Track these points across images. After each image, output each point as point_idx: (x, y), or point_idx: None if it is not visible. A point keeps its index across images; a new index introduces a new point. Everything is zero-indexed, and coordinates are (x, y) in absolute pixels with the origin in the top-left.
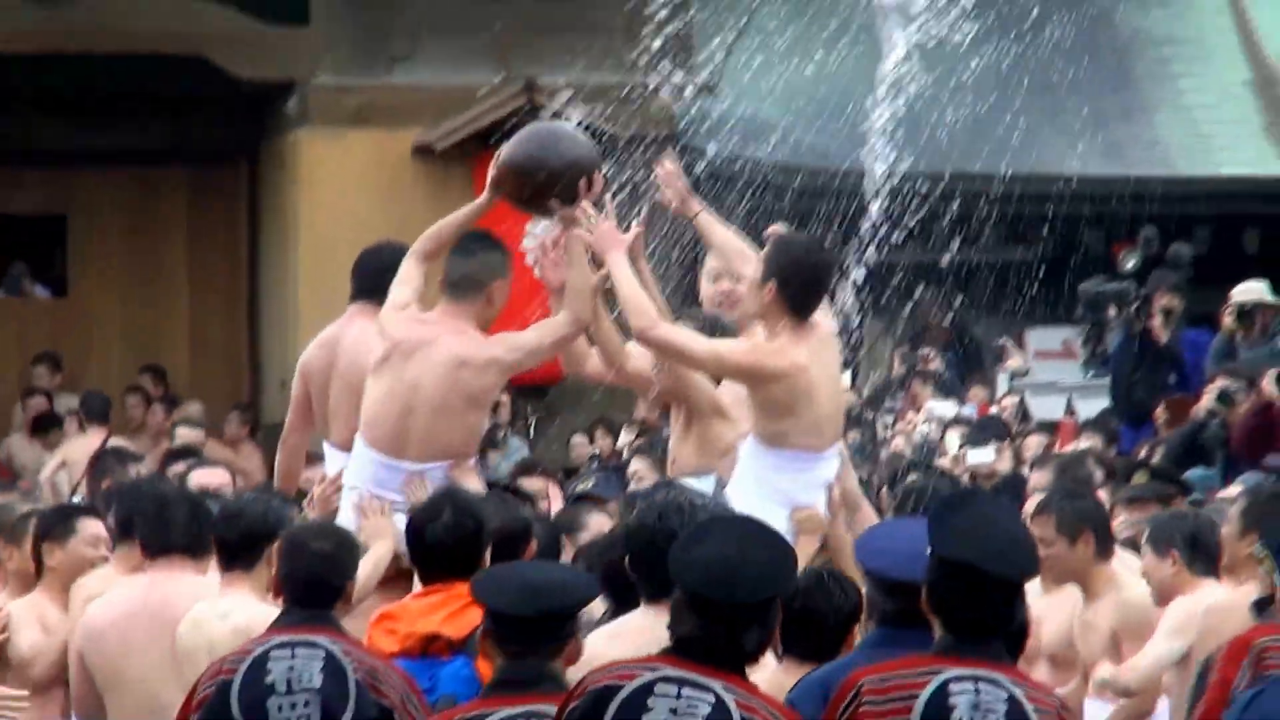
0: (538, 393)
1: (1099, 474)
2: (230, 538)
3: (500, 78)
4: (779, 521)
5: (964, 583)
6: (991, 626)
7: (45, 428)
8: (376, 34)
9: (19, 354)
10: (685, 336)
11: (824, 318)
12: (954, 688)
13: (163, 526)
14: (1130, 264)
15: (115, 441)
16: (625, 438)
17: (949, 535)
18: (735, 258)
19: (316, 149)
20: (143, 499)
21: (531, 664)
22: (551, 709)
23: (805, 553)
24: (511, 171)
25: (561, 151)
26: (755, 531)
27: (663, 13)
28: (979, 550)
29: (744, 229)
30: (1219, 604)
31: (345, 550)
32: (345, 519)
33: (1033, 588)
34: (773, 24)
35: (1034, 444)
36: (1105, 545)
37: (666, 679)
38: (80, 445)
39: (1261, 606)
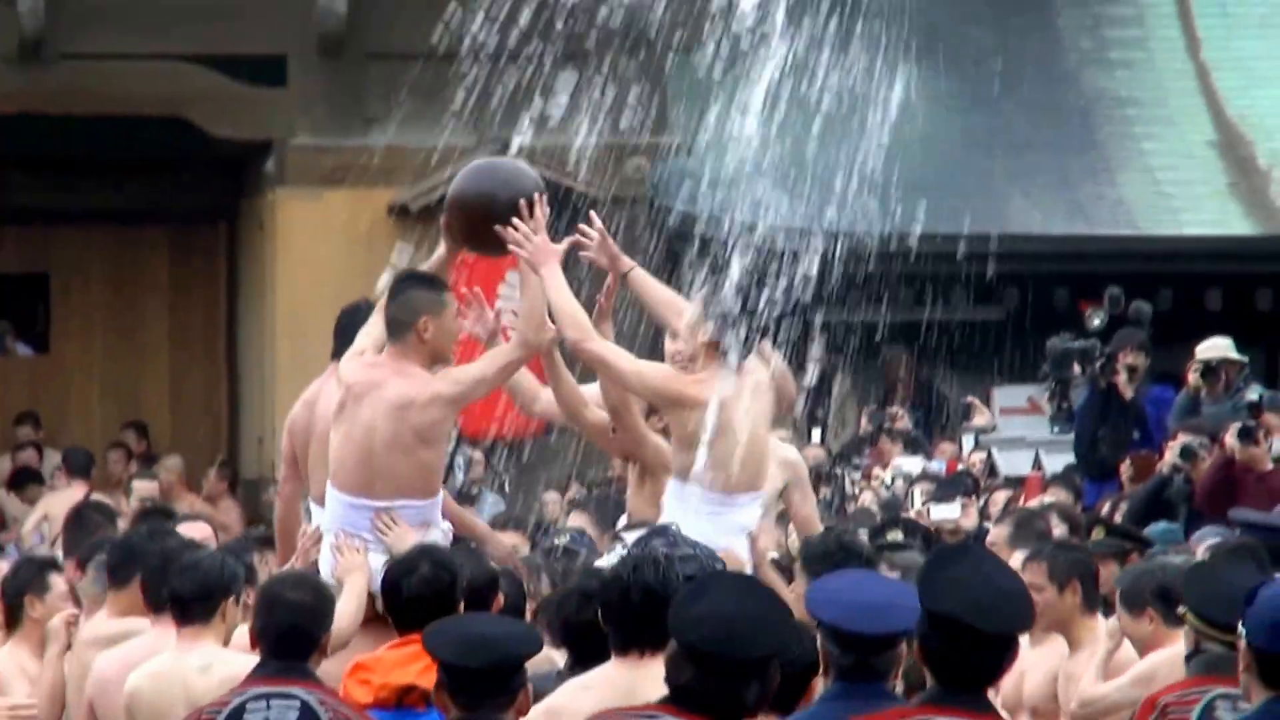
0: (513, 448)
1: (1063, 529)
2: (186, 592)
3: (474, 139)
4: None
5: (954, 636)
6: (981, 678)
7: (23, 483)
8: (352, 95)
9: (1, 411)
10: (615, 353)
11: (759, 368)
12: None
13: (165, 580)
14: (1096, 322)
15: (96, 496)
16: (569, 494)
17: (939, 589)
18: (668, 313)
19: (294, 208)
20: (147, 552)
21: (483, 716)
22: None
23: None
24: (460, 209)
25: (505, 180)
26: (754, 588)
27: (635, 77)
28: (969, 605)
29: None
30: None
31: (322, 601)
32: (324, 565)
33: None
34: (744, 84)
35: (1000, 499)
36: (1092, 597)
37: None
38: (61, 499)
39: (1189, 658)
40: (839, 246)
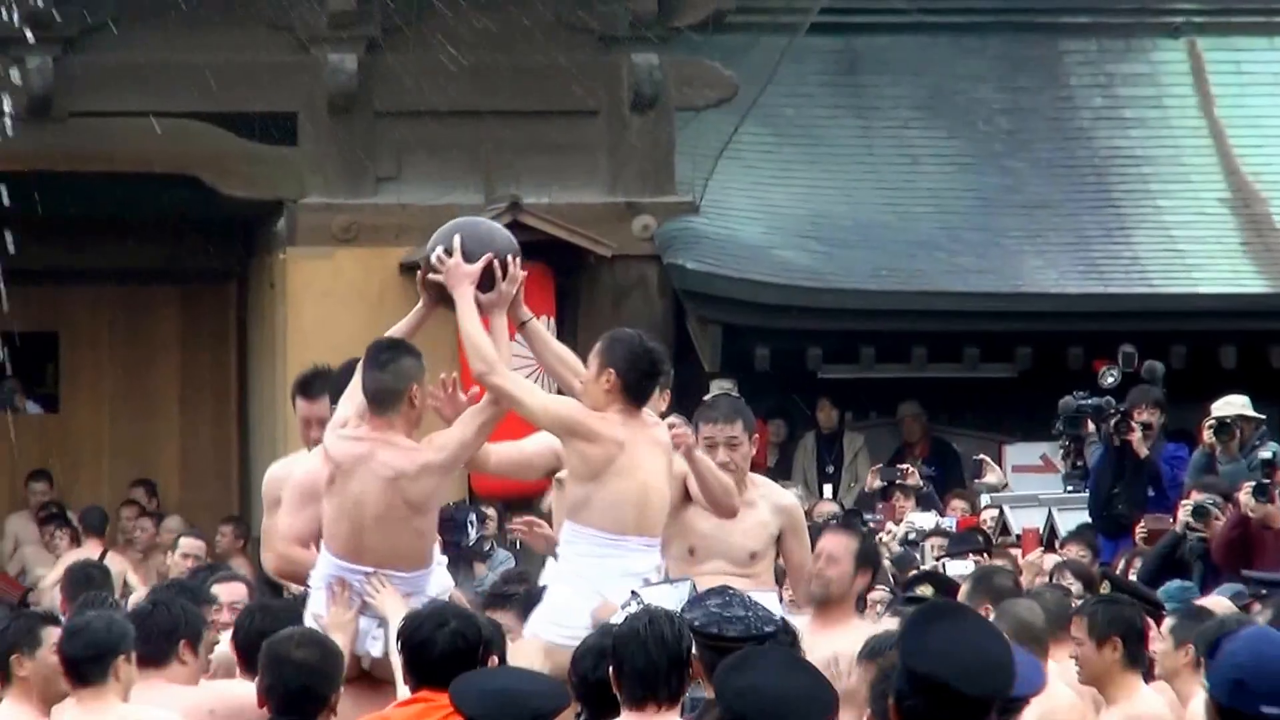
0: (525, 505)
1: (1077, 585)
2: (74, 654)
3: (484, 197)
4: (582, 615)
5: (935, 698)
6: None
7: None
8: (363, 154)
9: (10, 469)
10: (519, 386)
11: (661, 430)
12: None
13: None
14: (1109, 380)
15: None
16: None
17: (922, 648)
18: (557, 366)
19: (304, 267)
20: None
21: None
22: None
23: None
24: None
25: (480, 239)
26: (799, 664)
27: (644, 134)
28: (953, 667)
29: (726, 344)
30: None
31: (330, 660)
32: (309, 615)
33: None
34: (752, 143)
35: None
36: (1135, 655)
37: None
38: (79, 557)
39: None
40: (850, 304)
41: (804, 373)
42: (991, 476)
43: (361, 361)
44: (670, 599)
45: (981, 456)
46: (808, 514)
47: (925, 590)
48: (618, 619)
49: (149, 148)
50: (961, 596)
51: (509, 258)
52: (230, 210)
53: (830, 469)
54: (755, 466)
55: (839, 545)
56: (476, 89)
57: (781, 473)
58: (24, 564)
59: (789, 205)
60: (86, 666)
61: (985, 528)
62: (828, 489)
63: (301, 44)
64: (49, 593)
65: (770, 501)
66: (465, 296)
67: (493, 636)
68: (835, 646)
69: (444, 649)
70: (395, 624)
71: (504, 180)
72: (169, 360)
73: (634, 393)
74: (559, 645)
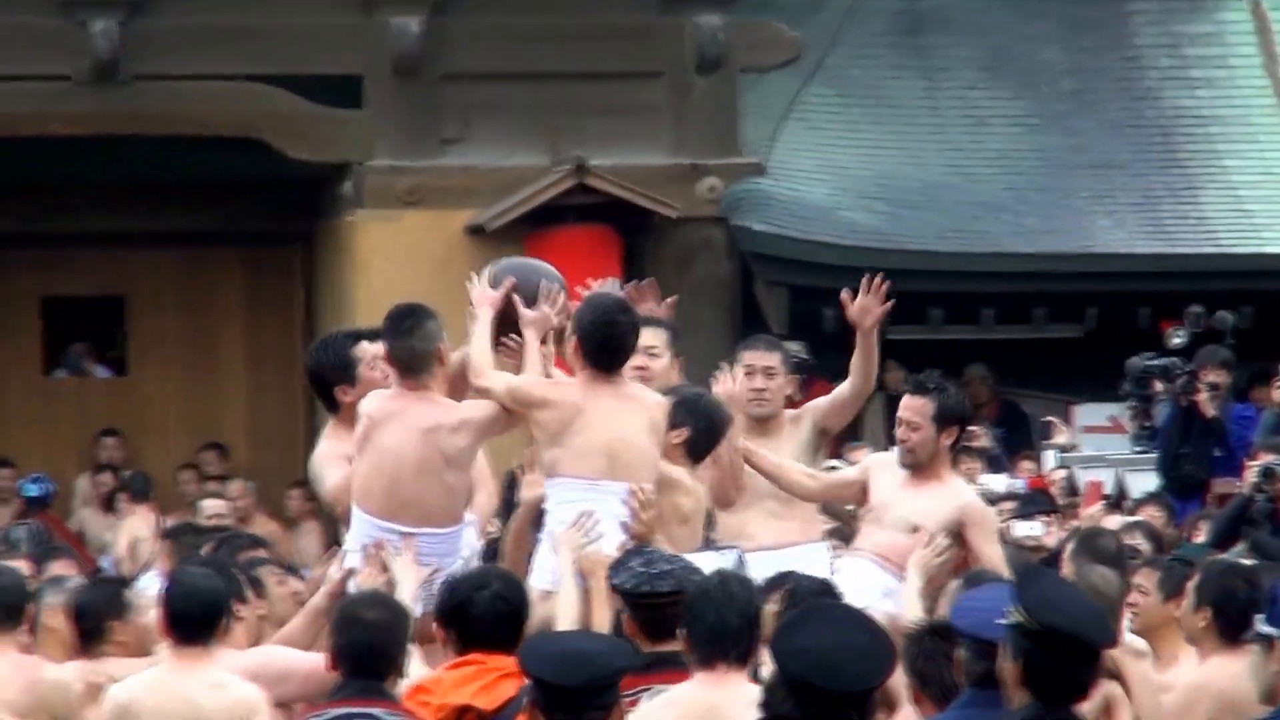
0: None
1: (1148, 546)
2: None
3: (550, 160)
4: (565, 565)
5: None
6: (1075, 693)
7: (115, 503)
8: (428, 117)
9: (80, 433)
10: (493, 379)
11: (636, 389)
12: None
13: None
14: (1177, 340)
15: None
16: None
17: (1038, 601)
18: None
19: (370, 230)
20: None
21: None
22: None
23: (598, 592)
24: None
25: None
26: (856, 619)
27: (709, 95)
28: (1067, 616)
29: (792, 305)
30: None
31: (400, 620)
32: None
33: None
34: (817, 104)
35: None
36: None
37: None
38: (140, 521)
39: None
40: (917, 265)
41: None
42: (1060, 438)
43: (384, 335)
44: (719, 565)
45: (1050, 418)
46: None
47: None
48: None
49: (214, 111)
50: (1065, 557)
51: (555, 286)
52: (296, 173)
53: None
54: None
55: (915, 410)
56: (541, 51)
57: (849, 434)
58: (80, 525)
59: (855, 166)
60: (191, 626)
61: (1054, 489)
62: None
63: (365, 7)
64: (125, 562)
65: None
66: (484, 318)
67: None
68: (928, 506)
69: (485, 611)
70: (407, 590)
71: (569, 142)
72: (235, 324)
73: (594, 360)
74: (551, 591)
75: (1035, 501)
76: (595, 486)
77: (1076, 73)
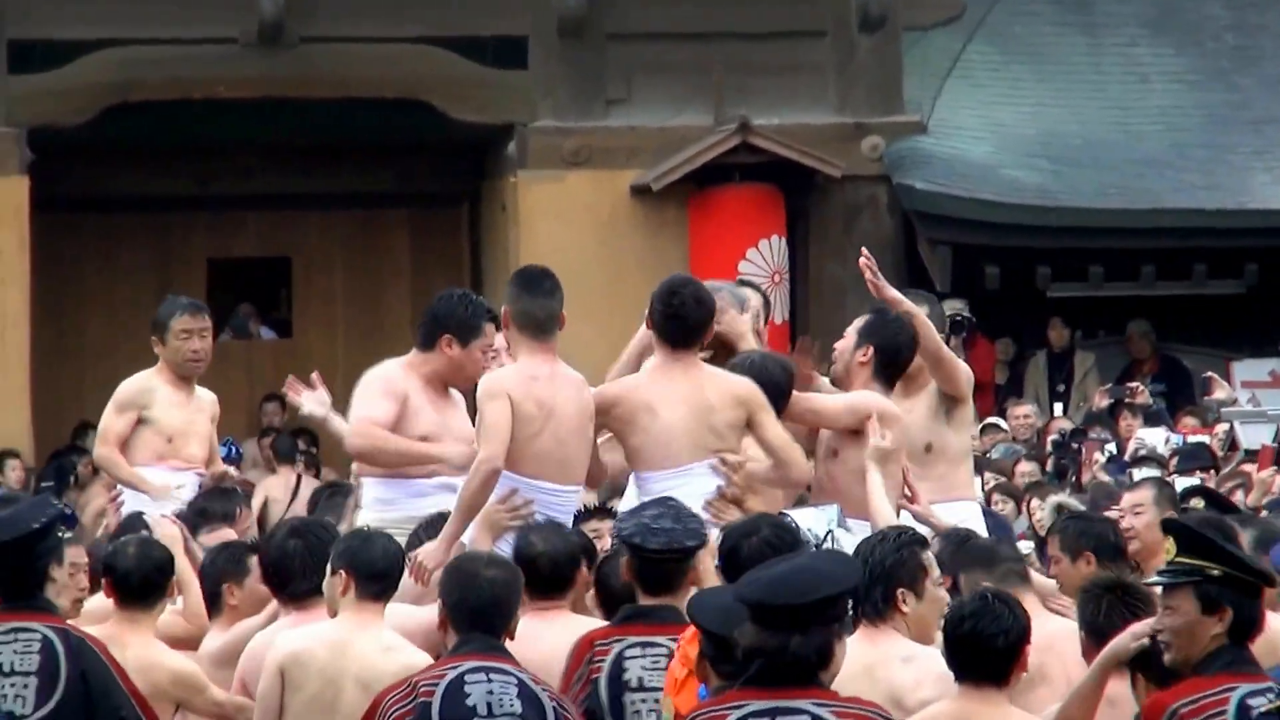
0: None
1: None
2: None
3: (714, 119)
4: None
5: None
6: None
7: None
8: (592, 77)
9: (247, 394)
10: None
11: (710, 375)
12: (1250, 700)
13: None
14: None
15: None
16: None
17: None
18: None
19: (536, 190)
20: None
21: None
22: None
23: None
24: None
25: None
26: (823, 552)
27: (873, 54)
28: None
29: (955, 263)
30: None
31: (517, 581)
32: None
33: None
34: (980, 62)
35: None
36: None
37: (756, 713)
38: (277, 483)
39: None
40: (1079, 222)
41: (1033, 291)
42: (1220, 393)
43: (517, 292)
44: (819, 521)
45: (1209, 374)
46: (1040, 432)
47: (1197, 504)
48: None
49: (381, 73)
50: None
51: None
52: (461, 134)
53: (1061, 387)
54: (985, 384)
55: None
56: (705, 11)
57: (1011, 390)
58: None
59: (1017, 124)
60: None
61: (1215, 444)
62: (1058, 407)
63: None
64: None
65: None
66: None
67: (571, 557)
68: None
69: (754, 555)
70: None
71: (733, 101)
72: (400, 284)
73: (661, 334)
74: None
75: (1195, 457)
76: (665, 476)
77: (1238, 29)
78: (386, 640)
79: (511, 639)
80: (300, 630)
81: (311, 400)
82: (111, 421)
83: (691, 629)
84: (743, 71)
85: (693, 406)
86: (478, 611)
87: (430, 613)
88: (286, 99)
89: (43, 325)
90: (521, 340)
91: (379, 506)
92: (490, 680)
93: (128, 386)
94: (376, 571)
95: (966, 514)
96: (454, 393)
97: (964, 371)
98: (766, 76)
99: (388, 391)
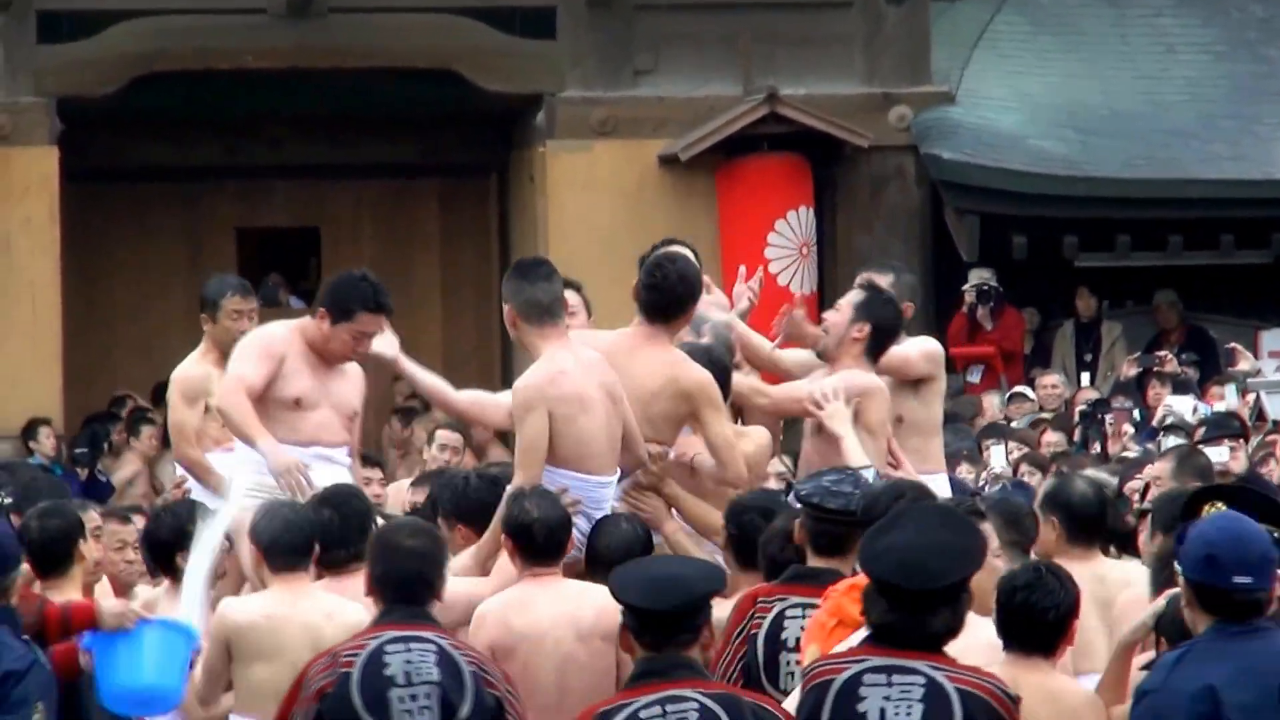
0: None
1: None
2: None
3: (742, 89)
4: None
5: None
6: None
7: None
8: (621, 48)
9: None
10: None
11: (670, 362)
12: None
13: None
14: None
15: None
16: None
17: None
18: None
19: (564, 160)
20: None
21: (668, 655)
22: (690, 693)
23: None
24: None
25: None
26: (944, 517)
27: (900, 24)
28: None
29: (982, 233)
30: None
31: (440, 547)
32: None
33: None
34: (1008, 32)
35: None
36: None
37: (874, 669)
38: None
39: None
40: (1106, 193)
41: (1060, 261)
42: (1244, 364)
43: (516, 284)
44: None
45: (1233, 345)
46: (1069, 402)
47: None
48: None
49: (409, 43)
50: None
51: None
52: (489, 105)
53: (1088, 357)
54: (1013, 354)
55: (845, 297)
56: None
57: (1039, 360)
58: None
59: (1045, 94)
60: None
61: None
62: (1085, 377)
63: None
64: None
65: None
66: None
67: (562, 522)
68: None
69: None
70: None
71: (761, 72)
72: (430, 254)
73: (644, 308)
74: None
75: (1223, 425)
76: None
77: (1266, 0)
78: (327, 606)
79: (440, 600)
80: (241, 603)
81: (382, 342)
82: (186, 416)
83: (848, 581)
84: (770, 42)
85: (632, 395)
86: (399, 581)
87: (476, 585)
88: (315, 69)
89: (73, 295)
90: (532, 332)
91: (260, 469)
92: (409, 649)
93: (188, 377)
94: (280, 546)
95: (937, 486)
96: (351, 365)
97: (915, 357)
98: (794, 47)
99: (264, 352)
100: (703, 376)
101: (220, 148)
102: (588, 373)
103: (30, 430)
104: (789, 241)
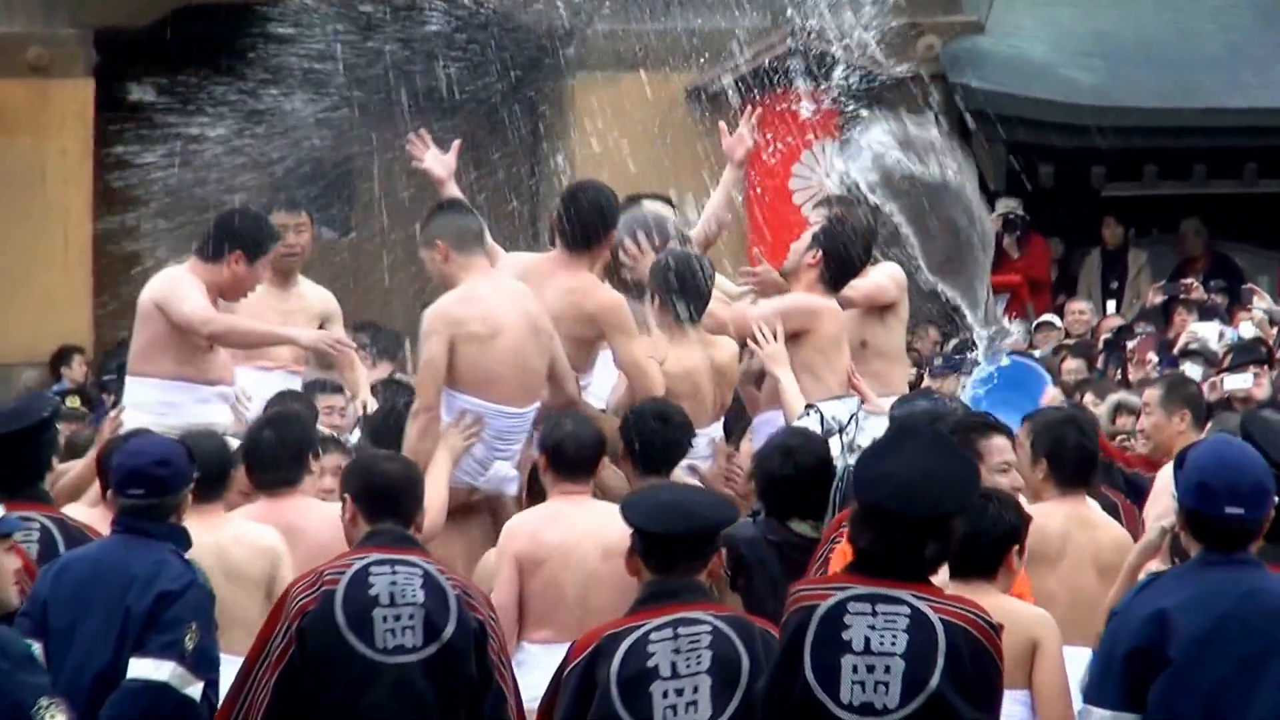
0: None
1: None
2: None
3: (770, 20)
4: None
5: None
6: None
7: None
8: None
9: None
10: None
11: (577, 289)
12: None
13: None
14: None
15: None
16: None
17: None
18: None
19: (593, 92)
20: None
21: (678, 577)
22: (702, 615)
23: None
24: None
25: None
26: (941, 446)
27: None
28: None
29: (1010, 162)
30: None
31: (417, 475)
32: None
33: None
34: None
35: None
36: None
37: (858, 597)
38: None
39: None
40: (1134, 122)
41: (1088, 190)
42: (1261, 303)
43: (443, 218)
44: (843, 410)
45: (1249, 285)
46: (1094, 330)
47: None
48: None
49: None
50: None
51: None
52: (519, 37)
53: (1114, 285)
54: (1039, 282)
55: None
56: None
57: (1064, 288)
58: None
59: (1073, 24)
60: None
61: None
62: (1111, 305)
63: None
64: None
65: None
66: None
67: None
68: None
69: None
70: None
71: (788, 3)
72: (460, 185)
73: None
74: None
75: (1250, 351)
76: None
77: None
78: (234, 530)
79: (419, 531)
80: None
81: (433, 158)
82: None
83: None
84: None
85: (534, 327)
86: (382, 495)
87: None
88: None
89: (105, 226)
90: (459, 260)
91: (159, 409)
92: (395, 571)
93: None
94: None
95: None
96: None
97: (886, 283)
98: None
99: (199, 288)
100: (607, 299)
101: (255, 81)
102: (509, 301)
103: (63, 356)
104: (814, 174)
